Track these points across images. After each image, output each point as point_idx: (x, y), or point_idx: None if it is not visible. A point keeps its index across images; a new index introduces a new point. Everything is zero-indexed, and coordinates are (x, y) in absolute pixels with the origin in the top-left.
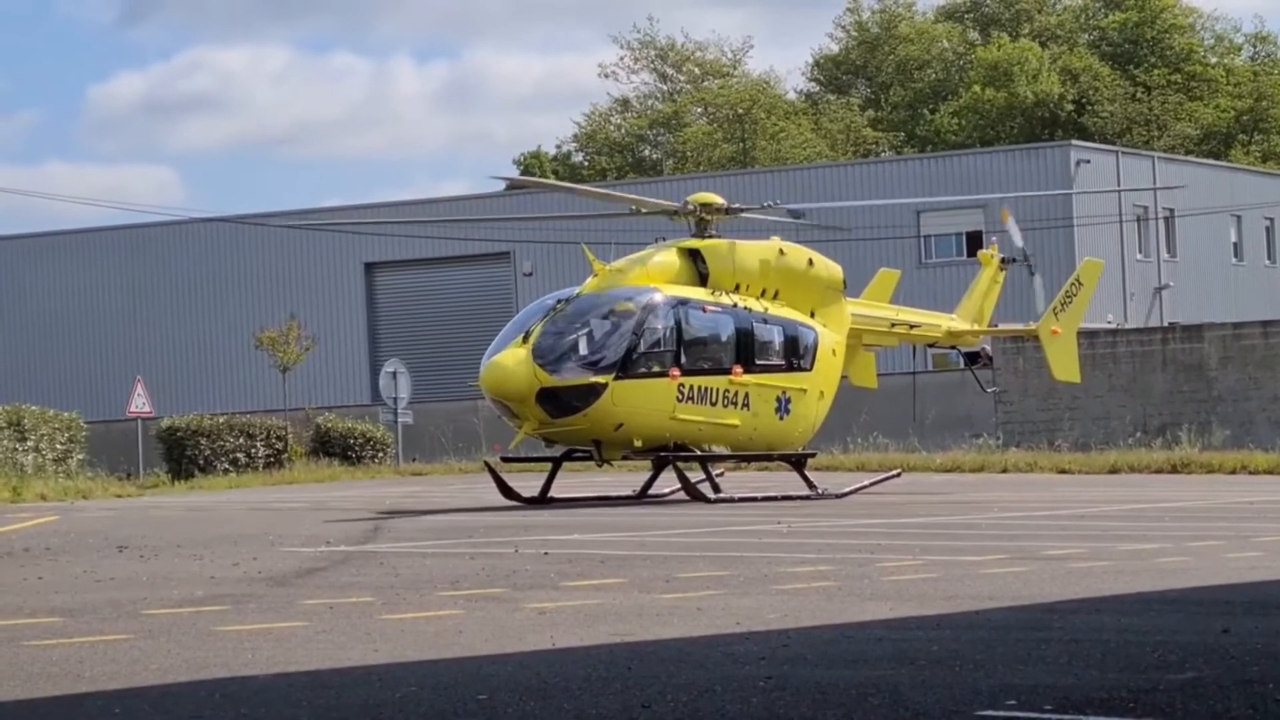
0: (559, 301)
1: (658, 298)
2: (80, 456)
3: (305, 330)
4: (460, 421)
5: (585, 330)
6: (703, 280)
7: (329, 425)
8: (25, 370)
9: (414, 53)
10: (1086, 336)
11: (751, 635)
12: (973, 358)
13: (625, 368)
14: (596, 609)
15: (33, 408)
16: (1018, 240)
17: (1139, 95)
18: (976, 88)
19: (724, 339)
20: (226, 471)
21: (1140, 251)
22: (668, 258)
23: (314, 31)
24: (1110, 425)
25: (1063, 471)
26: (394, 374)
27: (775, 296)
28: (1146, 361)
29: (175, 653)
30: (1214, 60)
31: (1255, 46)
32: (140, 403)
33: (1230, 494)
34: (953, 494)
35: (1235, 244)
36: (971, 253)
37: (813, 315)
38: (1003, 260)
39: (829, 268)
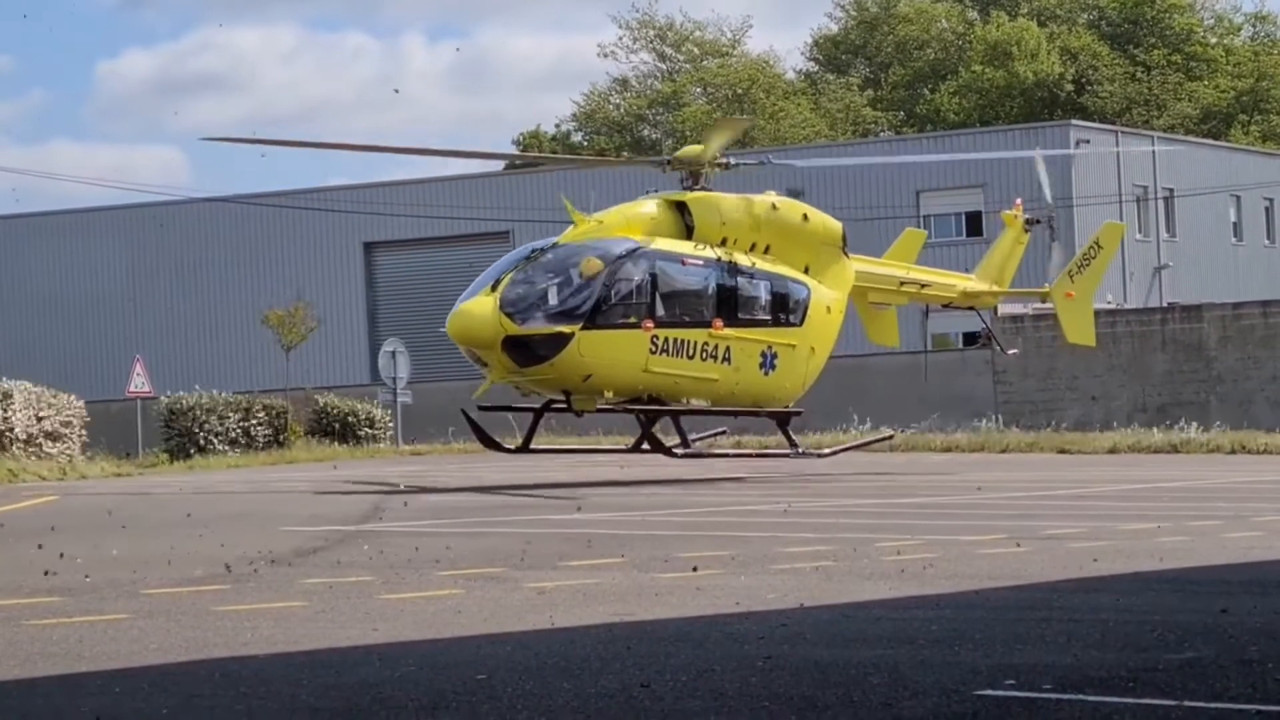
0: (534, 251)
1: (633, 248)
2: (81, 437)
3: (312, 311)
4: (460, 401)
5: (555, 280)
6: (689, 233)
7: (328, 405)
8: (25, 350)
9: (424, 32)
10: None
11: (751, 615)
12: (972, 339)
13: (594, 318)
14: (595, 588)
15: (29, 385)
16: (1047, 190)
17: (1138, 75)
18: (976, 67)
19: (704, 291)
20: (226, 451)
21: (1140, 231)
22: (651, 209)
23: (324, 11)
24: (1110, 405)
25: (1062, 451)
26: (393, 354)
27: (767, 251)
28: (1146, 341)
29: (174, 632)
30: (1214, 40)
31: (1255, 26)
32: (139, 382)
33: (1229, 473)
34: (952, 474)
35: (1235, 224)
36: (972, 233)
37: (807, 271)
38: (1027, 221)
39: (826, 223)
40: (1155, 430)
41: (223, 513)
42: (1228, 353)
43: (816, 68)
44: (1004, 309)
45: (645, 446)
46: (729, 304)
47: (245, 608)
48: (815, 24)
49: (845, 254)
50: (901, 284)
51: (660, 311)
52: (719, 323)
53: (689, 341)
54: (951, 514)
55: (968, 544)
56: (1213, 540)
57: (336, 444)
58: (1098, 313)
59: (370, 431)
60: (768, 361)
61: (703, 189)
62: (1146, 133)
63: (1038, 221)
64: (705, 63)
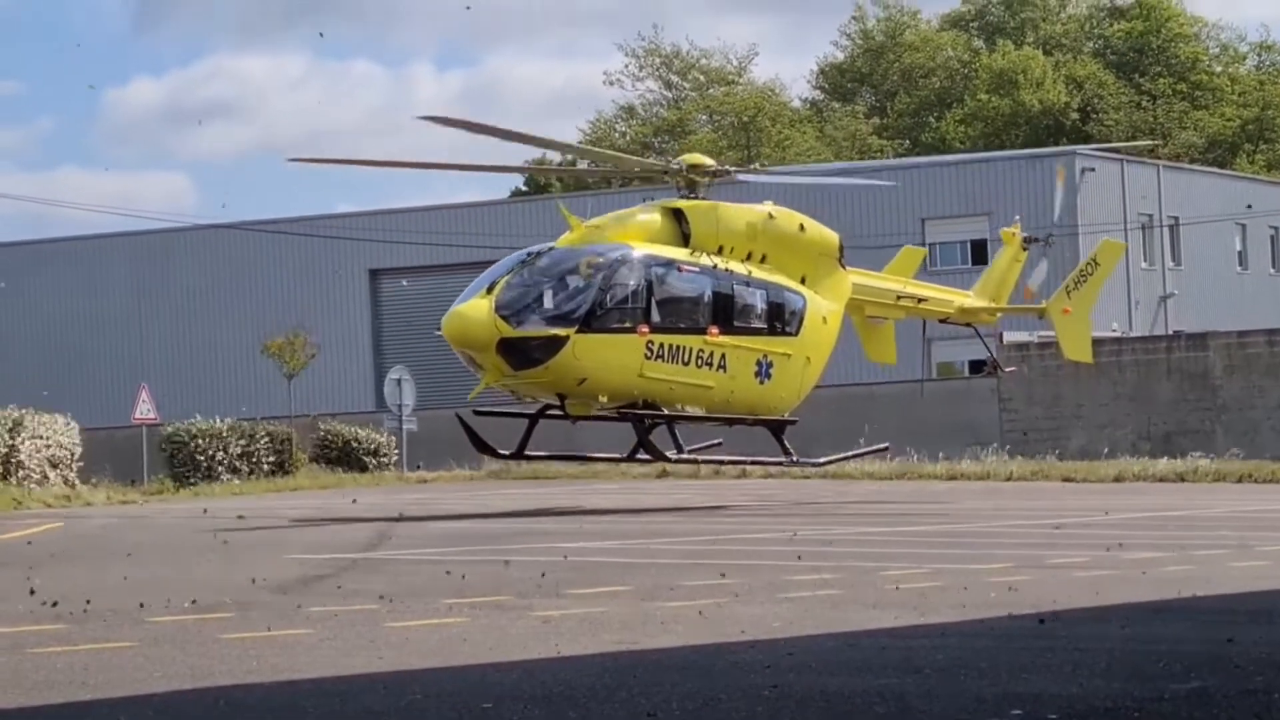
0: (530, 254)
1: (629, 254)
2: (78, 460)
3: (311, 339)
4: None
5: (551, 283)
6: (685, 241)
7: (333, 432)
8: (31, 376)
9: (432, 60)
10: (1091, 345)
11: (756, 643)
12: (978, 366)
13: (589, 322)
14: (601, 617)
15: (32, 411)
16: (1058, 204)
17: (1144, 104)
18: (981, 95)
19: (699, 298)
20: (231, 478)
21: (1145, 260)
22: (648, 217)
23: (332, 39)
24: (1115, 434)
25: (1067, 479)
26: (399, 381)
27: (763, 260)
28: (1151, 370)
29: (180, 660)
30: (1219, 69)
31: (1260, 55)
32: (145, 409)
33: (1235, 502)
34: (957, 502)
35: (1240, 252)
36: (977, 260)
37: (804, 281)
38: (1025, 239)
39: (823, 234)
40: (1161, 459)
41: (227, 540)
42: (1233, 381)
43: (822, 96)
44: (1010, 336)
45: (640, 455)
46: (724, 311)
47: (250, 635)
48: (821, 52)
49: (842, 265)
50: (899, 298)
51: (655, 317)
52: (714, 330)
53: (684, 348)
54: (957, 542)
55: (973, 572)
56: (1218, 569)
57: (341, 471)
58: (1103, 340)
59: (375, 458)
60: (763, 370)
61: (700, 198)
62: (1152, 161)
63: (1036, 240)
64: (711, 90)
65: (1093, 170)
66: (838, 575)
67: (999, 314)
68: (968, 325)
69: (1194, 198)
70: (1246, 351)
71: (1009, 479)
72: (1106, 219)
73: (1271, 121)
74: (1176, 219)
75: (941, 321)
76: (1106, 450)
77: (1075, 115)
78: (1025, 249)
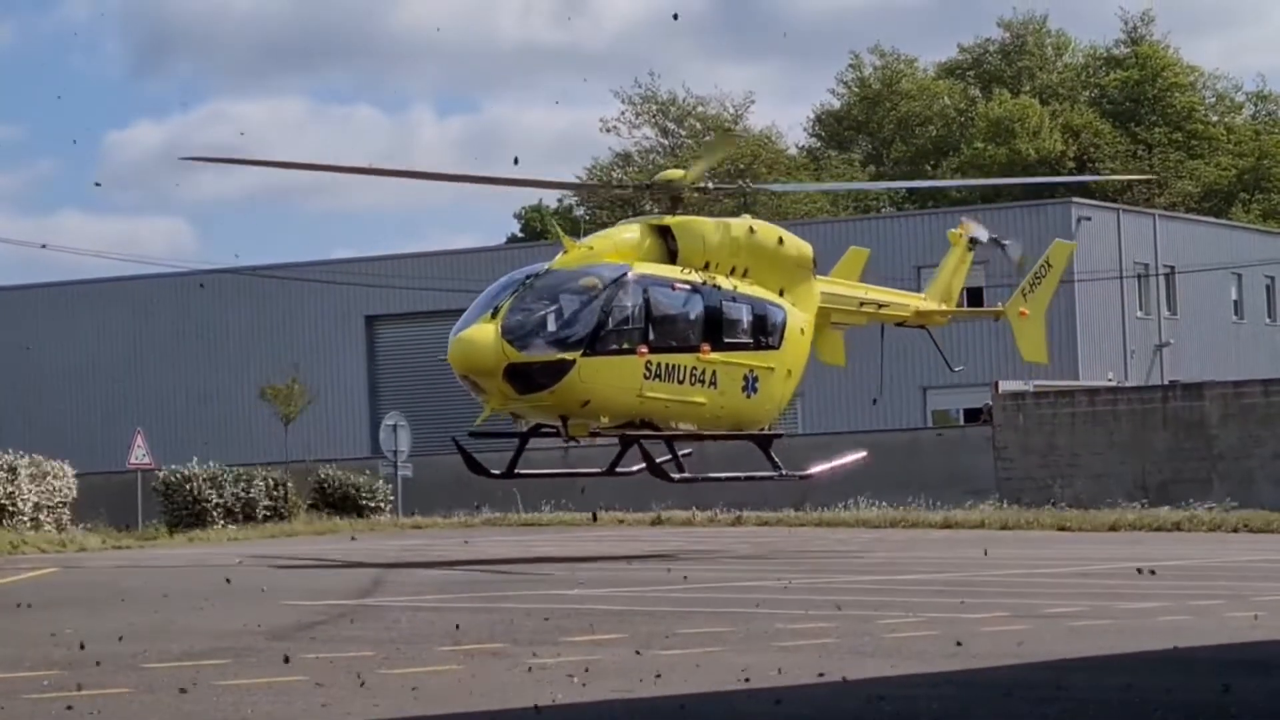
0: (528, 277)
1: (626, 274)
2: (73, 505)
3: (307, 385)
4: (460, 474)
5: (553, 307)
6: (672, 257)
7: (329, 478)
8: (26, 420)
9: (433, 106)
10: (1087, 394)
11: (753, 692)
12: (974, 415)
13: (593, 345)
14: (597, 665)
15: (25, 457)
16: (984, 237)
17: (1140, 153)
18: (978, 144)
19: (692, 316)
20: (226, 524)
21: (1141, 309)
22: (637, 235)
23: (333, 84)
24: (1110, 483)
25: (1063, 529)
26: (394, 427)
27: (745, 274)
28: (1147, 419)
29: (175, 706)
30: (1215, 118)
31: (1256, 105)
32: (140, 454)
33: (1231, 552)
34: (952, 551)
35: (1236, 302)
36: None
37: (781, 293)
38: (971, 240)
39: (799, 246)
40: (1157, 508)
41: (223, 586)
42: (1229, 431)
43: (819, 143)
44: (1005, 385)
45: (619, 469)
46: (715, 328)
47: (246, 682)
48: (818, 100)
49: (814, 276)
50: (861, 304)
51: (653, 336)
52: (706, 347)
53: (679, 366)
54: (952, 591)
55: (969, 622)
56: (1214, 619)
57: (337, 517)
58: (1098, 390)
59: (371, 504)
60: (749, 384)
61: (683, 213)
62: (1148, 210)
63: (980, 241)
64: (708, 138)
65: (1089, 219)
66: (833, 624)
67: (951, 316)
68: (922, 327)
69: (1190, 247)
70: (1242, 401)
71: (1004, 528)
72: (1102, 268)
73: (1267, 171)
74: (1172, 268)
75: (898, 325)
76: (1102, 499)
77: (1071, 164)
78: (970, 249)
